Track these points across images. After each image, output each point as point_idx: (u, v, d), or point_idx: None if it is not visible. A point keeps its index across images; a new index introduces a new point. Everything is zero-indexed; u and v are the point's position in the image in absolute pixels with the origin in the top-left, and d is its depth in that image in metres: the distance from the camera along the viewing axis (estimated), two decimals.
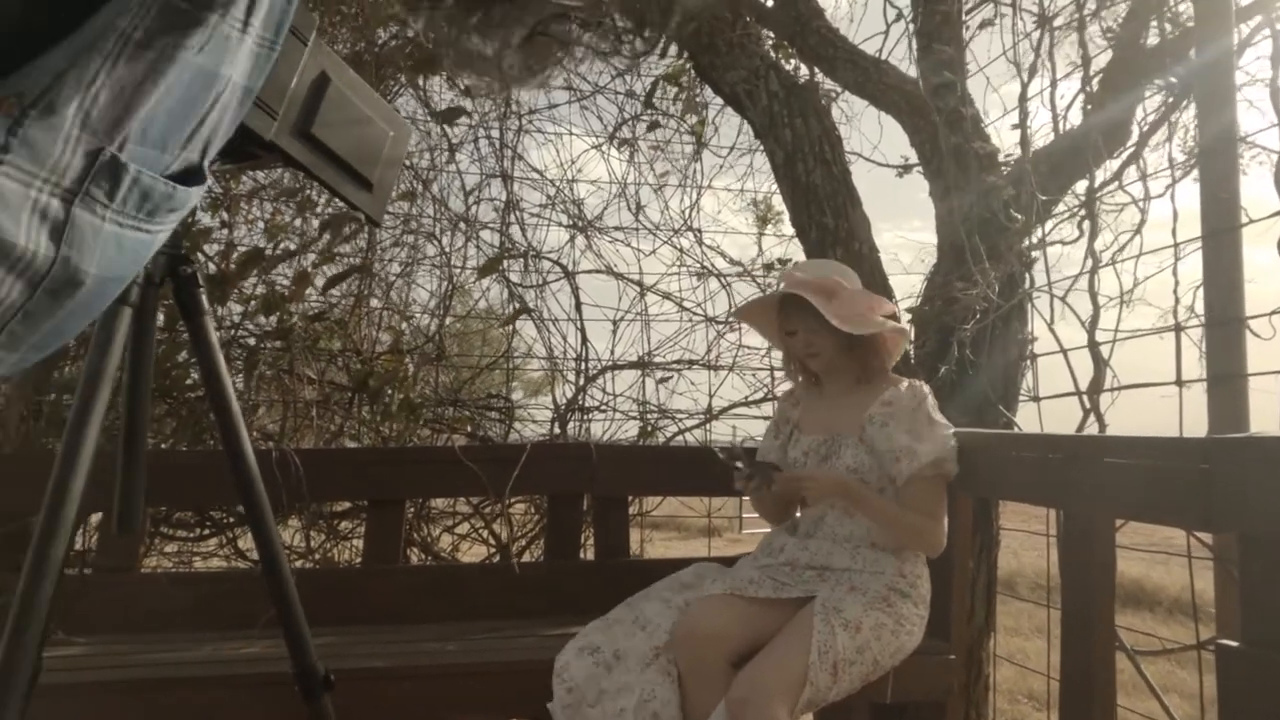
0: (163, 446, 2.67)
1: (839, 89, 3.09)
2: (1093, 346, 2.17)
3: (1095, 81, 2.54)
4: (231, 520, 2.84)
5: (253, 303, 2.89)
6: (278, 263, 2.82)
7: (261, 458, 1.30)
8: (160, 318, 2.10)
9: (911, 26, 2.76)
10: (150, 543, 2.71)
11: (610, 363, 3.27)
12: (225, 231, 3.01)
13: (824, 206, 2.55)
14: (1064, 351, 2.24)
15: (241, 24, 0.40)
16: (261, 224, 3.11)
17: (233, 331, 2.89)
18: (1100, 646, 1.56)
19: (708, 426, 3.21)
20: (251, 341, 2.93)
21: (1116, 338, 2.16)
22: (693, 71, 3.11)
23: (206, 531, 2.91)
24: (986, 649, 2.35)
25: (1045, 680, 2.36)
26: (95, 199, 0.38)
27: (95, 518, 2.33)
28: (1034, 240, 2.44)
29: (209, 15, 0.38)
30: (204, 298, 1.18)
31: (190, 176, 0.43)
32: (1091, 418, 2.14)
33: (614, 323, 3.31)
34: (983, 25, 2.79)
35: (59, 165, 0.35)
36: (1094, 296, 2.20)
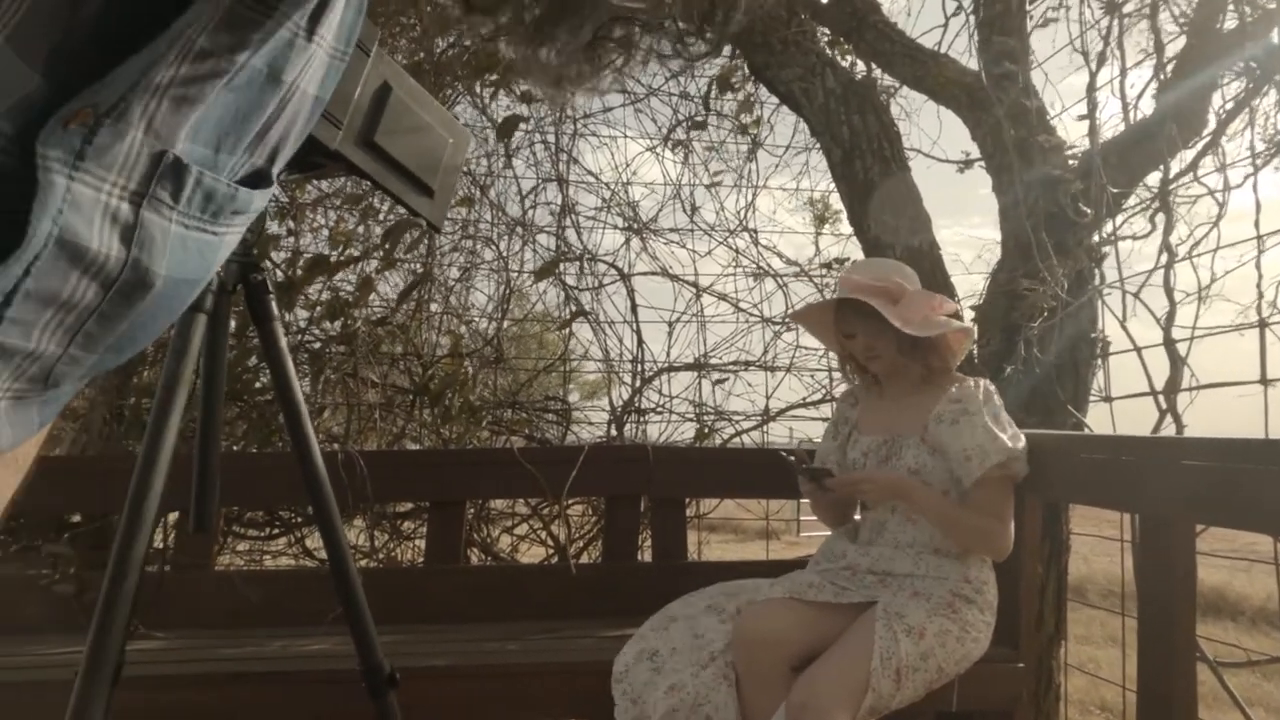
0: (234, 448, 2.76)
1: (897, 84, 3.03)
2: (1169, 344, 2.09)
3: (1168, 69, 2.44)
4: (299, 520, 2.92)
5: (318, 308, 2.97)
6: (341, 269, 2.90)
7: (328, 459, 1.33)
8: (231, 324, 2.17)
9: (972, 19, 2.70)
10: (223, 541, 2.81)
11: (666, 364, 3.27)
12: (292, 239, 3.11)
13: (883, 203, 2.51)
14: (1138, 350, 2.16)
15: (306, 31, 0.41)
16: (326, 231, 3.20)
17: (299, 336, 2.97)
18: (1180, 657, 1.50)
19: (765, 428, 3.18)
20: (317, 346, 3.01)
21: (1194, 335, 2.07)
22: (747, 71, 3.09)
23: (276, 531, 3.01)
24: (1057, 657, 2.28)
25: (1120, 691, 2.27)
26: (161, 200, 0.39)
27: (172, 516, 2.42)
28: (1104, 235, 2.36)
29: (268, 20, 0.38)
30: (273, 304, 1.22)
31: (256, 181, 0.44)
32: (1168, 419, 2.06)
33: (670, 324, 3.31)
34: (1046, 23, 2.70)
35: (126, 168, 0.37)
36: (1169, 292, 2.12)
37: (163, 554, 2.26)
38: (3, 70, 0.32)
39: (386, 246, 2.80)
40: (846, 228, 2.88)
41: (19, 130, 0.33)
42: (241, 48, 0.38)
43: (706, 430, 3.14)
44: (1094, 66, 2.41)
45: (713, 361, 3.28)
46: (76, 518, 2.44)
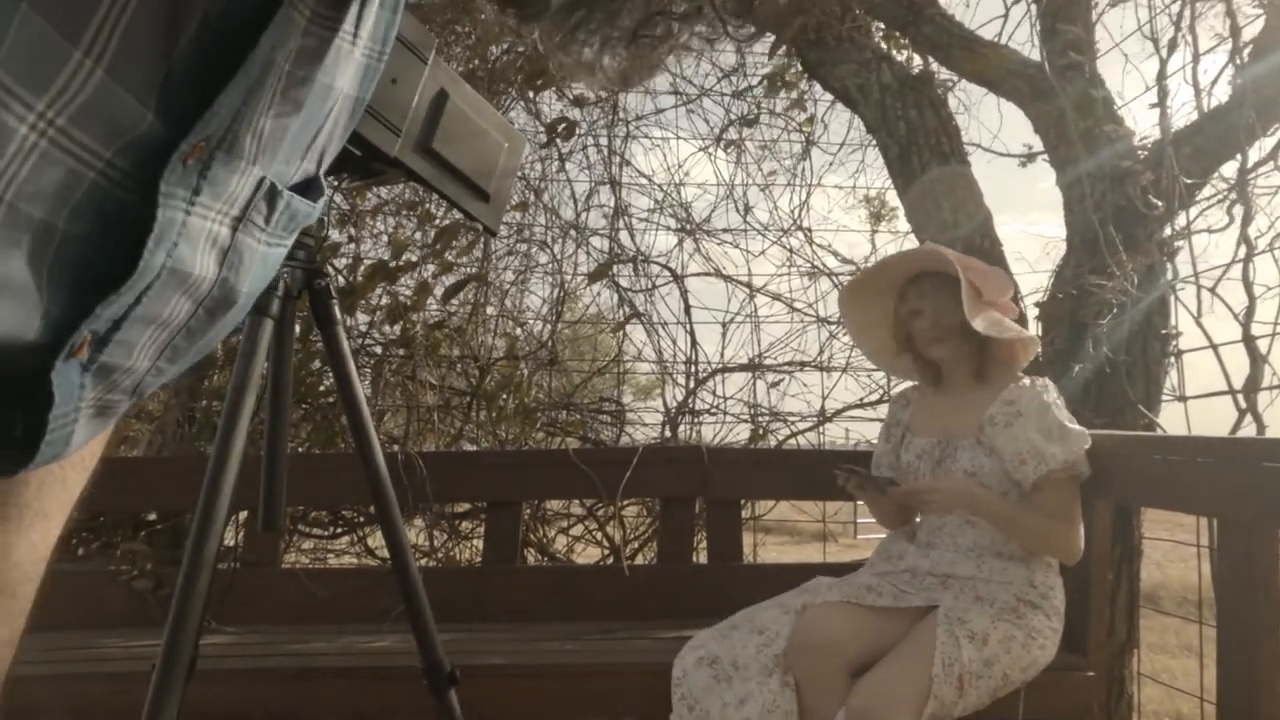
0: (299, 449, 2.84)
1: (955, 77, 2.96)
2: (1248, 341, 2.00)
3: (1245, 52, 2.34)
4: (361, 520, 2.99)
5: (378, 313, 3.04)
6: (400, 274, 2.96)
7: (388, 460, 1.36)
8: (295, 328, 2.23)
9: (1034, 8, 2.63)
10: (289, 540, 2.89)
11: (720, 365, 3.25)
12: (352, 246, 3.19)
13: (941, 201, 2.46)
14: (1214, 347, 2.08)
15: (352, 36, 0.42)
16: (385, 237, 3.27)
17: (360, 340, 3.04)
18: (1262, 668, 1.44)
19: (821, 429, 3.15)
20: (378, 350, 3.08)
21: (1276, 331, 1.98)
22: (800, 68, 3.06)
23: (339, 530, 3.08)
24: (1129, 667, 2.20)
25: (1197, 703, 2.18)
26: (255, 224, 0.41)
27: (242, 515, 2.50)
28: (1177, 228, 2.26)
29: (334, 37, 0.40)
30: (336, 309, 1.25)
31: (312, 187, 0.46)
32: (1248, 419, 1.97)
33: (724, 325, 3.30)
34: (1115, 3, 2.61)
35: (232, 197, 0.38)
36: (1248, 286, 2.02)
37: (233, 552, 2.33)
38: (111, 105, 0.32)
39: (438, 248, 2.85)
40: (903, 224, 2.83)
41: (134, 166, 0.34)
42: (317, 65, 0.39)
43: (761, 431, 3.12)
44: (1164, 53, 2.32)
45: (767, 362, 3.25)
46: (153, 516, 2.54)
